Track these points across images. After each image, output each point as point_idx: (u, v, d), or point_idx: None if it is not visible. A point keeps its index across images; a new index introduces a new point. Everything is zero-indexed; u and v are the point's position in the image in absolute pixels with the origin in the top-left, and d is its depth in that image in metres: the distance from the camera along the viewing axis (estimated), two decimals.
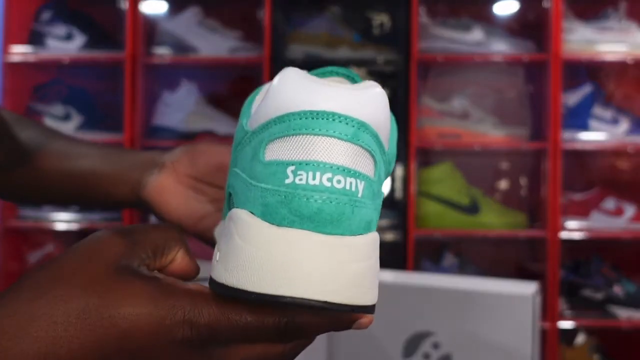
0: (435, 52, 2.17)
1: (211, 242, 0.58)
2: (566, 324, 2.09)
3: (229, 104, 2.33)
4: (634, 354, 2.24)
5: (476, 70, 2.39)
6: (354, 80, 0.42)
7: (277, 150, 0.37)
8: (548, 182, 2.12)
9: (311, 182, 0.35)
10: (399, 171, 2.13)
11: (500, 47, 2.19)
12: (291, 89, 0.37)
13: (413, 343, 0.99)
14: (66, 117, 2.27)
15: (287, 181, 0.36)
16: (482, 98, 2.33)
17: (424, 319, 0.99)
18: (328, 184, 0.36)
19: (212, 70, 2.42)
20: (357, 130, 0.36)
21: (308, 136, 0.36)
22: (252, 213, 0.37)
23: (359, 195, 0.36)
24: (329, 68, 0.44)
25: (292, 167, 0.36)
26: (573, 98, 2.21)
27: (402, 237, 2.12)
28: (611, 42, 2.15)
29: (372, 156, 0.37)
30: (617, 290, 2.10)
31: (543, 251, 2.13)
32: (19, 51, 2.21)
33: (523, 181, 2.39)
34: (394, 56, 2.16)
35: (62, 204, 2.02)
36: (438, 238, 2.24)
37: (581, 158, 2.36)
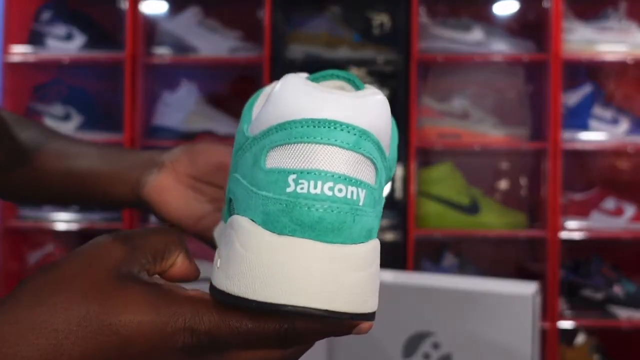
0: (435, 52, 2.17)
1: (211, 242, 0.58)
2: (566, 324, 2.09)
3: (229, 104, 2.33)
4: (634, 354, 2.24)
5: (476, 70, 2.39)
6: (354, 84, 0.42)
7: (278, 158, 0.37)
8: (548, 182, 2.12)
9: (312, 191, 0.35)
10: (399, 171, 2.13)
11: (500, 47, 2.19)
12: (292, 96, 0.37)
13: (413, 343, 0.99)
14: (66, 117, 2.27)
15: (289, 190, 0.36)
16: (482, 98, 2.33)
17: (424, 319, 0.99)
18: (329, 193, 0.36)
19: (212, 70, 2.42)
20: (358, 139, 0.36)
21: (309, 144, 0.36)
22: (253, 221, 0.37)
23: (360, 203, 0.37)
24: (330, 71, 0.43)
25: (294, 176, 0.36)
26: (573, 98, 2.21)
27: (402, 237, 2.12)
28: (611, 42, 2.15)
29: (374, 164, 0.37)
30: (617, 290, 2.10)
31: (543, 251, 2.13)
32: (19, 51, 2.21)
33: (523, 181, 2.39)
34: (394, 56, 2.16)
35: (62, 204, 2.02)
36: (438, 238, 2.23)
37: (581, 158, 2.36)
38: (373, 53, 2.17)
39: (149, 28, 2.27)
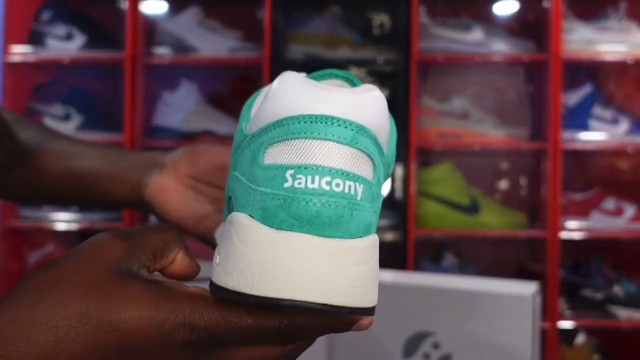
0: (435, 52, 2.17)
1: (212, 244, 0.58)
2: (566, 324, 2.09)
3: (229, 104, 2.33)
4: (634, 354, 2.24)
5: (476, 70, 2.39)
6: (352, 83, 0.42)
7: (276, 154, 0.37)
8: (548, 182, 2.12)
9: (310, 185, 0.36)
10: (399, 171, 2.13)
11: (500, 47, 2.19)
12: (290, 93, 0.37)
13: (413, 343, 0.99)
14: (66, 117, 2.27)
15: (286, 185, 0.36)
16: (482, 98, 2.33)
17: (424, 319, 0.99)
18: (327, 188, 0.36)
19: (212, 70, 2.42)
20: (355, 134, 0.37)
21: (307, 140, 0.36)
22: (252, 216, 0.37)
23: (358, 198, 0.37)
24: (328, 71, 0.44)
25: (291, 171, 0.36)
26: (573, 98, 2.21)
27: (402, 237, 2.12)
28: (611, 42, 2.15)
29: (371, 159, 0.37)
30: (617, 290, 2.10)
31: (543, 251, 2.13)
32: (19, 51, 2.21)
33: (523, 181, 2.39)
34: (394, 56, 2.16)
35: (62, 204, 2.02)
36: (438, 238, 2.24)
37: (581, 158, 2.36)
38: (373, 53, 2.17)
39: (149, 28, 2.27)
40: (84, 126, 2.26)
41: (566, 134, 2.13)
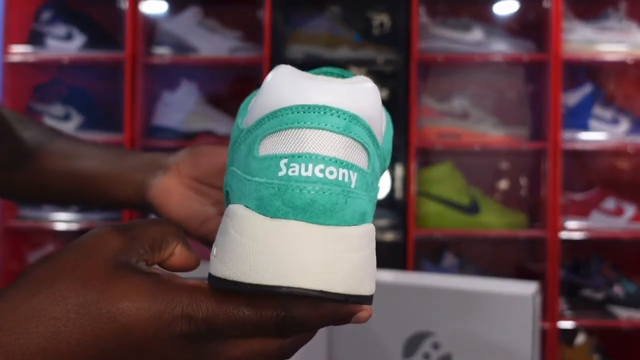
0: (435, 52, 2.17)
1: None
2: (566, 324, 2.09)
3: (229, 104, 2.33)
4: (634, 354, 2.24)
5: (476, 70, 2.39)
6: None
7: (270, 145, 0.37)
8: (548, 182, 2.12)
9: (304, 173, 0.36)
10: (399, 171, 2.13)
11: (500, 47, 2.19)
12: (283, 85, 0.38)
13: (413, 343, 0.99)
14: (66, 117, 2.27)
15: (280, 174, 0.36)
16: (482, 98, 2.33)
17: (424, 319, 0.99)
18: (320, 175, 0.36)
19: (212, 70, 2.42)
20: (348, 123, 0.37)
21: (300, 129, 0.36)
22: (247, 207, 0.37)
23: (352, 186, 0.37)
24: (323, 69, 0.44)
25: (285, 160, 0.36)
26: (573, 98, 2.21)
27: (402, 237, 2.11)
28: (611, 42, 2.15)
29: (365, 149, 0.38)
30: (617, 290, 2.10)
31: (543, 251, 2.13)
32: (19, 51, 2.21)
33: (523, 181, 2.39)
34: (394, 56, 2.16)
35: (64, 204, 2.02)
36: (438, 238, 2.23)
37: (581, 158, 2.36)
38: (373, 53, 2.17)
39: (149, 28, 2.27)
40: (84, 126, 2.26)
41: (566, 134, 2.13)
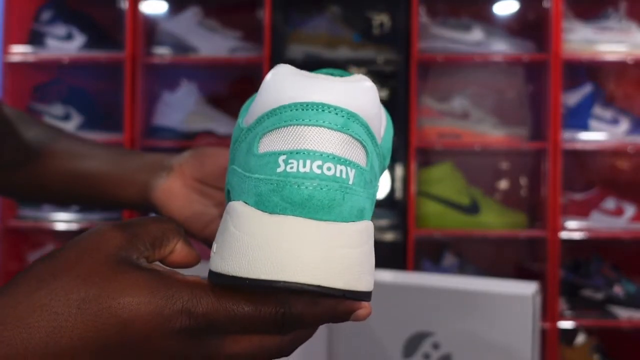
0: (435, 52, 2.17)
1: None
2: (566, 324, 2.09)
3: (229, 104, 2.33)
4: (634, 354, 2.24)
5: (476, 70, 2.39)
6: None
7: (269, 142, 0.38)
8: (548, 182, 2.12)
9: (302, 169, 0.36)
10: (399, 171, 2.13)
11: (500, 47, 2.19)
12: (282, 84, 0.38)
13: (413, 343, 0.99)
14: (66, 117, 2.27)
15: (279, 170, 0.37)
16: (482, 98, 2.33)
17: (424, 319, 0.99)
18: (318, 171, 0.36)
19: (212, 70, 2.42)
20: (347, 120, 0.37)
21: (299, 127, 0.37)
22: (247, 203, 0.38)
23: (350, 182, 0.37)
24: (324, 70, 0.45)
25: (284, 157, 0.37)
26: (573, 98, 2.21)
27: (402, 237, 2.11)
28: (611, 42, 2.15)
29: (363, 146, 0.38)
30: (617, 290, 2.10)
31: (543, 251, 2.13)
32: (19, 51, 2.21)
33: (523, 181, 2.39)
34: (394, 56, 2.16)
35: (66, 204, 2.02)
36: (438, 238, 2.23)
37: (581, 158, 2.36)
38: (373, 53, 2.17)
39: (149, 28, 2.27)
40: (84, 126, 2.26)
41: (566, 134, 2.13)
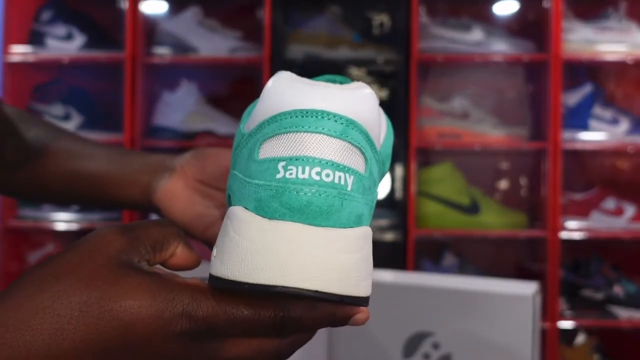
0: (435, 52, 2.17)
1: None
2: (566, 324, 2.09)
3: (229, 104, 2.33)
4: (634, 354, 2.24)
5: (476, 70, 2.39)
6: None
7: (270, 149, 0.38)
8: (548, 182, 2.12)
9: (301, 176, 0.37)
10: (399, 171, 2.13)
11: (500, 47, 2.19)
12: (283, 91, 0.39)
13: (413, 343, 0.99)
14: (66, 117, 2.27)
15: (278, 176, 0.37)
16: (482, 98, 2.33)
17: (424, 319, 0.99)
18: (317, 178, 0.37)
19: (212, 70, 2.42)
20: (346, 127, 0.38)
21: (298, 133, 0.37)
22: (246, 208, 0.38)
23: (349, 188, 0.38)
24: (325, 76, 0.46)
25: (283, 163, 0.37)
26: (573, 98, 2.21)
27: (402, 237, 2.11)
28: (611, 42, 2.15)
29: (362, 153, 0.39)
30: (617, 290, 2.10)
31: (543, 251, 2.13)
32: (19, 51, 2.21)
33: (523, 181, 2.39)
34: (394, 56, 2.16)
35: (67, 204, 2.02)
36: (438, 238, 2.24)
37: (581, 158, 2.36)
38: (373, 53, 2.17)
39: (149, 28, 2.27)
40: (84, 126, 2.26)
41: (566, 134, 2.13)
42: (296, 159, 0.37)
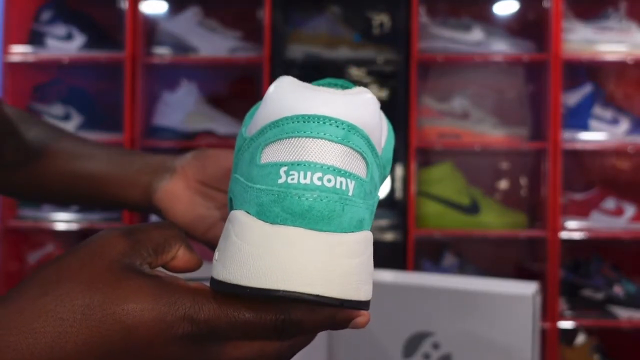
0: (435, 52, 2.17)
1: None
2: (566, 324, 2.09)
3: (229, 104, 2.33)
4: (634, 354, 2.24)
5: (476, 70, 2.39)
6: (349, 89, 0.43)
7: (271, 153, 0.38)
8: (548, 182, 2.12)
9: (302, 181, 0.37)
10: (399, 171, 2.13)
11: (500, 47, 2.19)
12: (285, 96, 0.39)
13: (413, 343, 0.99)
14: (66, 117, 2.27)
15: (280, 181, 0.37)
16: (482, 98, 2.33)
17: (424, 319, 0.99)
18: (319, 183, 0.37)
19: (212, 70, 2.42)
20: (347, 133, 0.38)
21: (300, 139, 0.38)
22: (248, 212, 0.38)
23: (350, 193, 0.38)
24: (326, 80, 0.46)
25: (285, 168, 0.38)
26: (573, 98, 2.21)
27: (402, 237, 2.11)
28: (611, 42, 2.15)
29: (364, 158, 0.39)
30: (617, 290, 2.10)
31: (543, 251, 2.13)
32: (19, 51, 2.21)
33: (523, 181, 2.39)
34: (394, 56, 2.16)
35: (67, 204, 2.02)
36: (438, 238, 2.24)
37: (581, 158, 2.36)
38: (373, 53, 2.17)
39: (149, 28, 2.27)
40: (84, 126, 2.26)
41: (566, 134, 2.13)
42: (298, 164, 0.37)
